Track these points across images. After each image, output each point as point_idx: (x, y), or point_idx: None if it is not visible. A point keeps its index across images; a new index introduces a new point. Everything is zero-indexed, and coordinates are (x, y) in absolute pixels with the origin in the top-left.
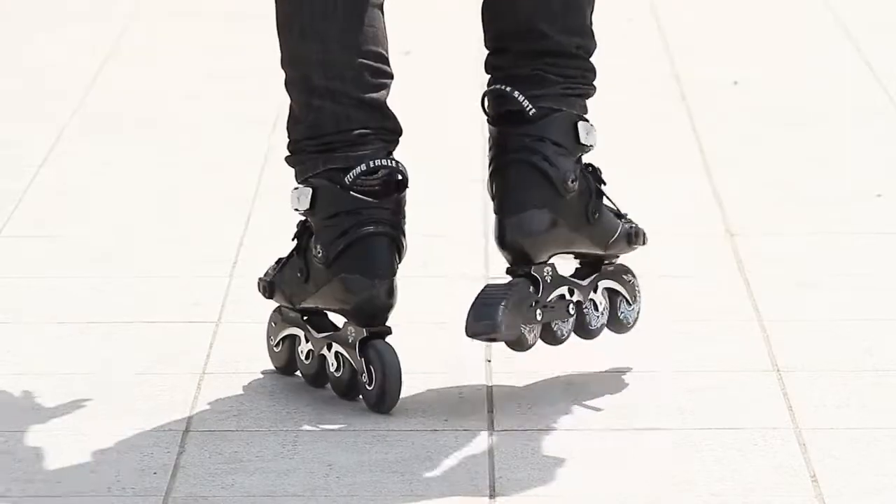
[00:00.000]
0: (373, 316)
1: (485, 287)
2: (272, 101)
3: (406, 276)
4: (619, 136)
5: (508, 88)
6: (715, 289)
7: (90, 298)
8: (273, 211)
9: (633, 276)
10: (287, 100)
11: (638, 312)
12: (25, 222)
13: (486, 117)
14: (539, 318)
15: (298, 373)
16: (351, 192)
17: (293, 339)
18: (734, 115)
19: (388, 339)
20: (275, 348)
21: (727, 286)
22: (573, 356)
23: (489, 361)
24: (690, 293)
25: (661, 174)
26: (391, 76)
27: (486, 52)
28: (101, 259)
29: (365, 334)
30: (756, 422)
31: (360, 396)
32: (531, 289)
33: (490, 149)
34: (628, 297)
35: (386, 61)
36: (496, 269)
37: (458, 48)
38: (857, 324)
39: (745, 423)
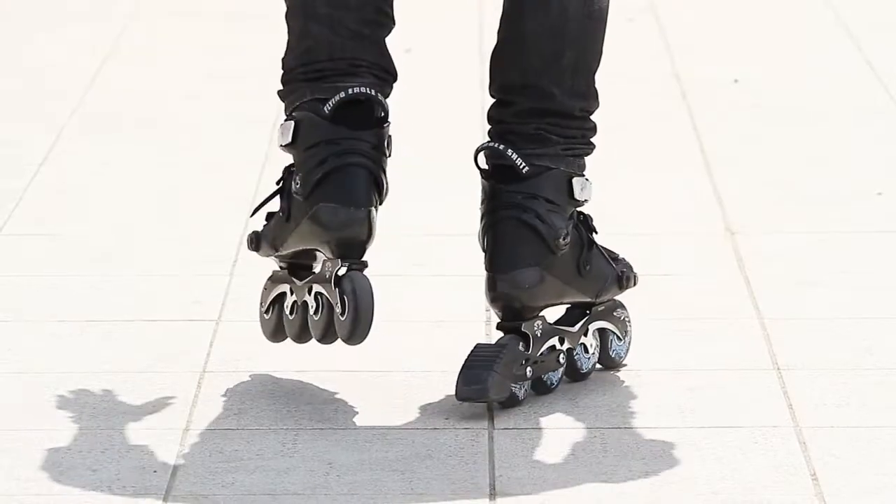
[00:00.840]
0: (349, 247)
1: (475, 347)
2: (272, 101)
3: (405, 275)
4: (620, 134)
5: (502, 147)
6: (715, 287)
7: (90, 297)
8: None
9: (624, 309)
10: None
11: (629, 345)
12: (25, 221)
13: (479, 171)
14: (529, 374)
15: (288, 339)
16: (331, 122)
17: (281, 299)
18: (734, 114)
19: (385, 337)
20: (265, 315)
21: (727, 285)
22: None
23: None
24: (691, 292)
25: (662, 173)
26: (393, 21)
27: (491, 100)
28: (101, 258)
29: (340, 266)
30: (756, 420)
31: (337, 335)
32: (521, 346)
33: (482, 203)
34: (619, 334)
35: (391, 6)
36: None
37: (459, 46)
38: (858, 322)
39: (745, 422)
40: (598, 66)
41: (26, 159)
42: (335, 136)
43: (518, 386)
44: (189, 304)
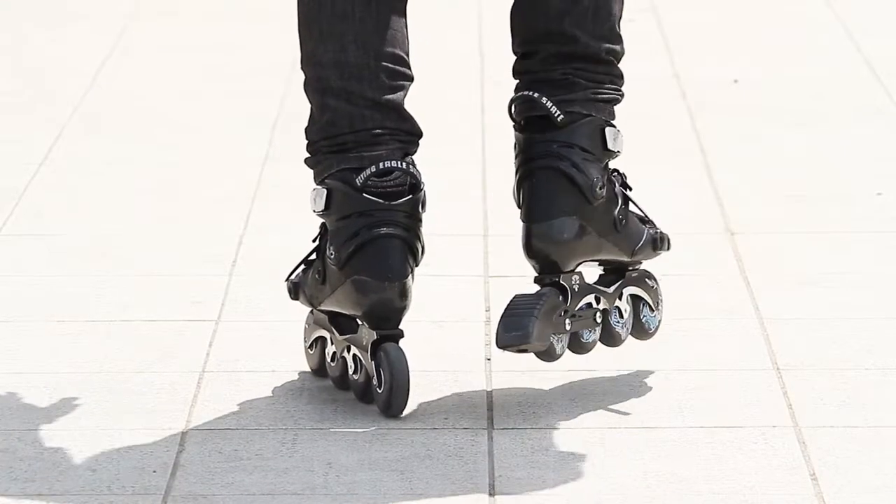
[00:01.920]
0: (384, 318)
1: (514, 297)
2: (272, 101)
3: None
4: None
5: (536, 94)
6: (715, 287)
7: (90, 297)
8: (273, 210)
9: (657, 281)
10: (288, 99)
11: (660, 318)
12: (25, 221)
13: (512, 123)
14: (568, 327)
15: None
16: (363, 194)
17: (323, 340)
18: (734, 114)
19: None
20: (308, 350)
21: (727, 284)
22: (571, 355)
23: (489, 360)
24: (690, 291)
25: (662, 172)
26: (410, 78)
27: (514, 57)
28: (100, 258)
29: (376, 337)
30: (756, 420)
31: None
32: (560, 298)
33: (517, 155)
34: (651, 303)
35: (405, 63)
36: (496, 268)
37: (458, 47)
38: (857, 322)
39: (744, 422)
40: (621, 10)
41: (26, 159)
42: (367, 207)
43: (556, 338)
44: (188, 305)
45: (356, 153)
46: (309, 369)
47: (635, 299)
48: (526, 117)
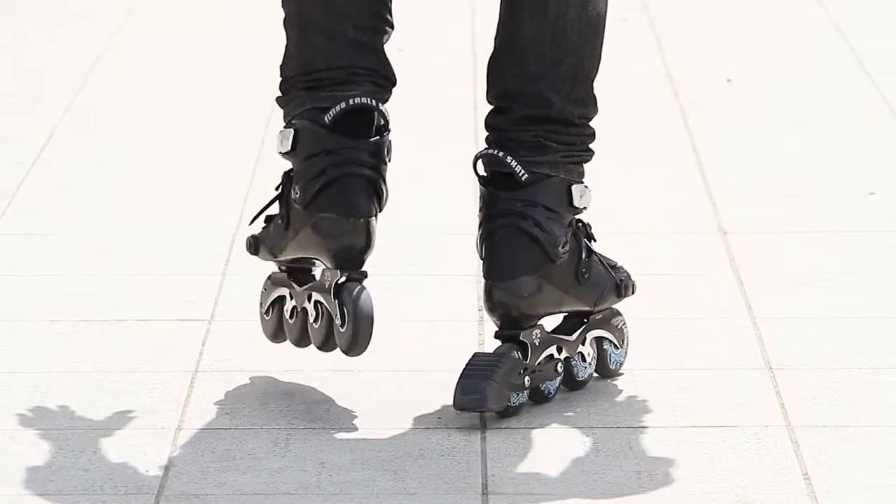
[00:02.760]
0: (348, 258)
1: (472, 357)
2: (265, 101)
3: (399, 274)
4: (613, 134)
5: (501, 154)
6: (708, 287)
7: (82, 297)
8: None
9: (621, 317)
10: None
11: (625, 355)
12: (18, 220)
13: (477, 177)
14: (527, 384)
15: (287, 341)
16: (331, 132)
17: (281, 301)
18: (727, 114)
19: (379, 339)
20: (265, 316)
21: (720, 284)
22: None
23: None
24: (683, 291)
25: (655, 172)
26: (392, 26)
27: (489, 107)
28: (94, 257)
29: (340, 276)
30: (748, 420)
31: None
32: (519, 355)
33: (480, 210)
34: (616, 342)
35: (389, 11)
36: None
37: (450, 45)
38: (850, 322)
39: (737, 422)
40: (596, 72)
41: (19, 158)
42: (335, 146)
43: (515, 395)
44: (181, 304)
45: (328, 91)
46: (266, 335)
47: (600, 341)
48: (491, 172)
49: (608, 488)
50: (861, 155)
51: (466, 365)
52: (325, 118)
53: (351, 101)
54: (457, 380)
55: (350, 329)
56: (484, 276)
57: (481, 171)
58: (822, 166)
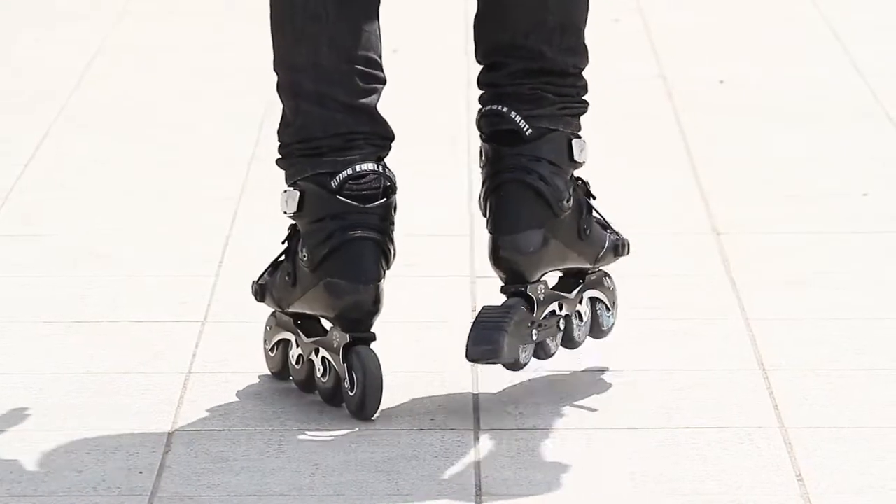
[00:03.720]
0: (357, 321)
1: (483, 309)
2: (259, 100)
3: (392, 275)
4: (606, 135)
5: (505, 109)
6: (701, 287)
7: (76, 297)
8: (259, 210)
9: (613, 281)
10: (275, 99)
11: (616, 317)
12: (12, 221)
13: (479, 134)
14: (534, 338)
15: (291, 378)
16: (337, 197)
17: (286, 343)
18: (720, 114)
19: (374, 345)
20: (269, 353)
21: (713, 285)
22: (559, 356)
23: None
24: (676, 292)
25: (648, 173)
26: (383, 81)
27: (478, 66)
28: (87, 258)
29: (349, 340)
30: (741, 421)
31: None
32: (527, 310)
33: (483, 166)
34: (608, 304)
35: (378, 66)
36: (481, 269)
37: (445, 46)
38: (843, 322)
39: (730, 422)
40: (585, 22)
41: (13, 158)
42: (342, 210)
43: (523, 349)
44: (175, 305)
45: (330, 157)
46: (269, 371)
47: (594, 301)
48: (494, 130)
49: (602, 489)
50: (854, 155)
51: (477, 317)
52: (332, 183)
53: (356, 168)
54: (468, 333)
55: (359, 395)
56: (489, 231)
57: (484, 129)
58: (816, 167)
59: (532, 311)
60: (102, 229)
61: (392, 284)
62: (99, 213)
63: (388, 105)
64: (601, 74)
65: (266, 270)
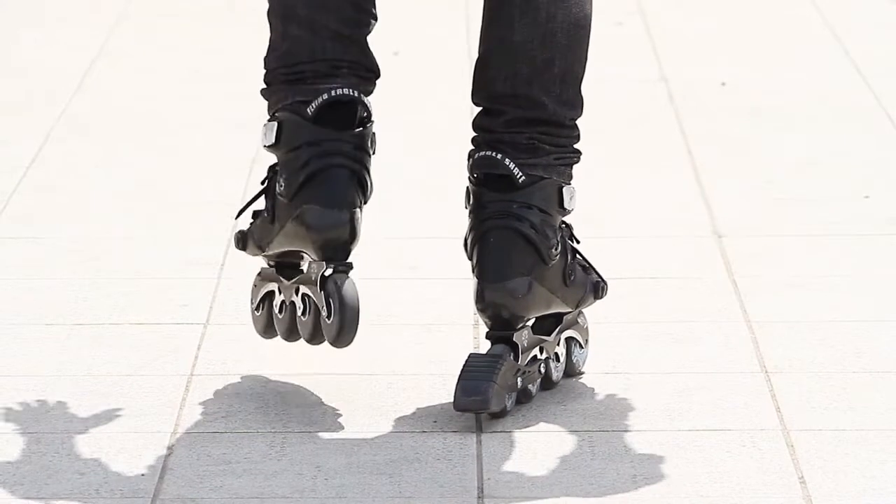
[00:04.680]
0: (333, 249)
1: (469, 358)
2: (260, 103)
3: (395, 278)
4: (608, 137)
5: (499, 156)
6: (703, 290)
7: (77, 300)
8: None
9: (585, 318)
10: None
11: (587, 354)
12: (13, 223)
13: (468, 176)
14: (519, 385)
15: (278, 336)
16: (313, 124)
17: (270, 297)
18: (722, 117)
19: (374, 345)
20: (255, 312)
21: (715, 287)
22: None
23: None
24: (678, 295)
25: (649, 176)
26: (374, 17)
27: (476, 109)
28: (89, 260)
29: (326, 270)
30: (744, 423)
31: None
32: (513, 357)
33: (471, 210)
34: (581, 342)
35: (371, 2)
36: None
37: (446, 49)
38: (845, 325)
39: (732, 425)
40: (584, 73)
41: (14, 161)
42: (318, 137)
43: (508, 397)
44: (177, 308)
45: (311, 84)
46: (257, 331)
47: (569, 341)
48: (485, 174)
49: (604, 492)
50: (856, 158)
51: (465, 366)
52: (308, 110)
53: (333, 93)
54: (456, 381)
55: (336, 320)
56: (476, 277)
57: (474, 172)
58: (817, 170)
59: (517, 358)
60: (104, 232)
61: (395, 287)
62: (101, 216)
63: (388, 107)
64: (603, 77)
65: (244, 208)
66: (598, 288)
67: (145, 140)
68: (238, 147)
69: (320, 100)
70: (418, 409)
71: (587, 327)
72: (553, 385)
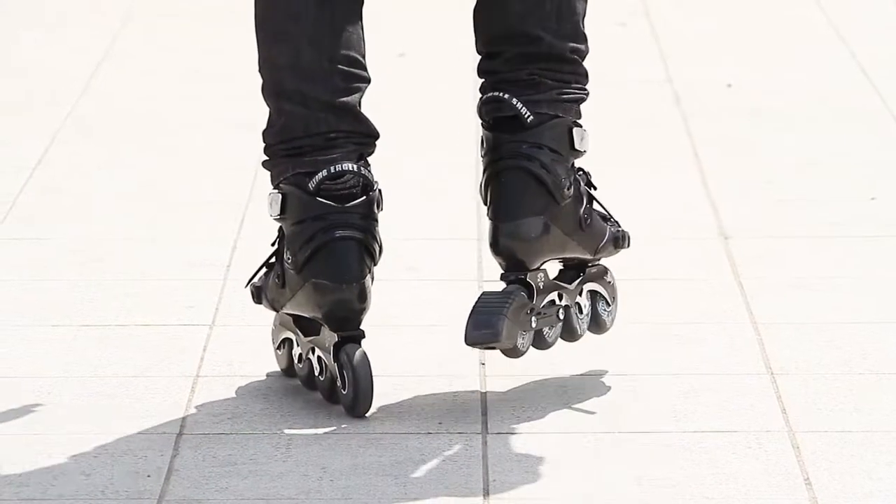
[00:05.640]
0: (343, 320)
1: (482, 295)
2: (261, 103)
3: (398, 279)
4: (613, 138)
5: (506, 95)
6: (708, 291)
7: (83, 301)
8: (267, 214)
9: (613, 276)
10: None
11: (615, 313)
12: (18, 224)
13: (480, 122)
14: (533, 325)
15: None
16: (317, 198)
17: (290, 342)
18: (728, 119)
19: (374, 346)
20: (277, 351)
21: (721, 289)
22: (566, 359)
23: (483, 364)
24: (684, 296)
25: (655, 177)
26: (366, 80)
27: (479, 56)
28: (95, 261)
29: (338, 339)
30: (750, 424)
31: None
32: (526, 296)
33: (484, 154)
34: (608, 298)
35: (361, 65)
36: (489, 272)
37: (452, 50)
38: (851, 326)
39: (738, 426)
40: (584, 8)
41: (20, 162)
42: (321, 211)
43: (522, 336)
44: (183, 309)
45: (310, 157)
46: (279, 369)
47: (594, 295)
48: (495, 117)
49: (609, 493)
50: (862, 159)
51: (476, 302)
52: (310, 185)
53: (332, 169)
54: (467, 318)
55: (351, 392)
56: (490, 218)
57: (485, 117)
58: (823, 171)
59: (531, 298)
60: (110, 233)
61: (398, 288)
62: (106, 217)
63: (393, 109)
64: (608, 78)
65: (258, 271)
66: (618, 237)
67: (152, 141)
68: (245, 148)
69: (321, 175)
70: (424, 410)
71: (615, 284)
72: (577, 337)
